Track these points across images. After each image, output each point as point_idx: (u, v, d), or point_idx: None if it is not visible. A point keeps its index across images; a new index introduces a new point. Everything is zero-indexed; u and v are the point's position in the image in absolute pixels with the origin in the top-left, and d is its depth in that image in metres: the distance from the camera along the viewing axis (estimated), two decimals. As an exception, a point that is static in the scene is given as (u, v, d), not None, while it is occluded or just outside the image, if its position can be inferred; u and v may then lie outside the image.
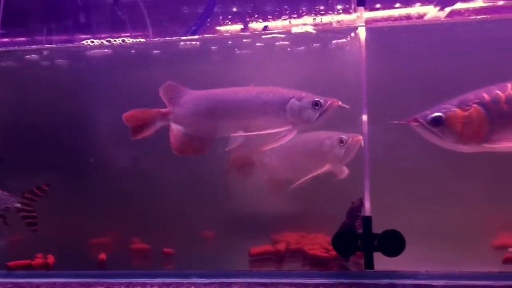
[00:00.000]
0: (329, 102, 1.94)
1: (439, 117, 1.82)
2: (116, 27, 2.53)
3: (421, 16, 2.28)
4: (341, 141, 2.06)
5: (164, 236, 2.39)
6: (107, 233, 2.49)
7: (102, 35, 2.47)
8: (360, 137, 2.01)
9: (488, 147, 1.83)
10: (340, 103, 1.93)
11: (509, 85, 1.85)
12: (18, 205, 2.16)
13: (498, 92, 1.84)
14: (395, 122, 1.89)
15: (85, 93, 2.57)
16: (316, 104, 1.95)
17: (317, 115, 1.95)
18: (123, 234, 2.46)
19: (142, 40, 2.46)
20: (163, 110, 2.11)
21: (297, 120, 1.97)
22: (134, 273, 2.02)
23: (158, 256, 2.32)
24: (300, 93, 1.99)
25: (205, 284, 1.89)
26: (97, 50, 2.52)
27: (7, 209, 2.14)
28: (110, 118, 2.56)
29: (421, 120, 1.84)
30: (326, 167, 2.08)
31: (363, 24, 2.10)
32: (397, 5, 2.28)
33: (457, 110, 1.82)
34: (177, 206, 2.42)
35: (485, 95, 1.84)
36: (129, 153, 2.60)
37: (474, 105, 1.82)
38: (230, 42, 2.46)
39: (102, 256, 2.25)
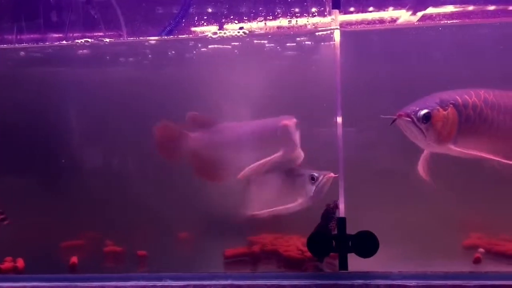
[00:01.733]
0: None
1: (428, 113, 1.84)
2: (89, 26, 2.49)
3: (393, 20, 2.31)
4: (312, 178, 2.07)
5: (138, 238, 2.36)
6: (79, 236, 2.45)
7: (75, 34, 2.44)
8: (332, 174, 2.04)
9: (454, 149, 1.89)
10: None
11: (472, 92, 1.92)
12: None
13: (467, 97, 1.90)
14: (384, 116, 1.87)
15: (59, 92, 2.53)
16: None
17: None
18: (95, 237, 2.43)
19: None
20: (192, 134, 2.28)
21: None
22: (107, 276, 1.99)
23: (132, 258, 2.29)
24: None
25: (179, 287, 1.87)
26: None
27: None
28: (82, 118, 2.53)
29: (412, 115, 1.84)
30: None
31: (338, 27, 2.13)
32: (371, 8, 2.31)
33: (440, 109, 1.85)
34: (151, 207, 2.40)
35: (458, 98, 1.88)
36: (102, 154, 2.57)
37: (451, 105, 1.85)
38: (203, 42, 2.46)
39: (74, 259, 2.20)
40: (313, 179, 2.06)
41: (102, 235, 2.40)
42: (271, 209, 2.11)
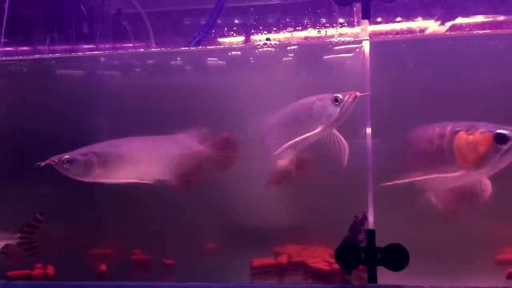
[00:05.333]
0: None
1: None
2: (119, 37, 2.54)
3: (422, 31, 2.30)
4: (335, 100, 1.94)
5: (165, 247, 2.37)
6: (108, 244, 2.47)
7: (106, 45, 2.48)
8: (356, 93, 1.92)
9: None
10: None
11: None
12: (17, 240, 2.11)
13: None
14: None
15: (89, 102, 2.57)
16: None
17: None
18: (124, 245, 2.45)
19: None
20: None
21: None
22: (134, 284, 2.00)
23: (159, 267, 2.31)
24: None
25: (206, 297, 1.87)
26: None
27: (7, 247, 2.10)
28: (114, 126, 2.55)
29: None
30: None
31: (368, 37, 2.12)
32: (398, 19, 2.29)
33: None
34: (179, 217, 2.41)
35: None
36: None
37: None
38: (232, 53, 2.48)
39: (103, 267, 2.23)
40: (336, 101, 1.94)
41: (130, 244, 2.42)
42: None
